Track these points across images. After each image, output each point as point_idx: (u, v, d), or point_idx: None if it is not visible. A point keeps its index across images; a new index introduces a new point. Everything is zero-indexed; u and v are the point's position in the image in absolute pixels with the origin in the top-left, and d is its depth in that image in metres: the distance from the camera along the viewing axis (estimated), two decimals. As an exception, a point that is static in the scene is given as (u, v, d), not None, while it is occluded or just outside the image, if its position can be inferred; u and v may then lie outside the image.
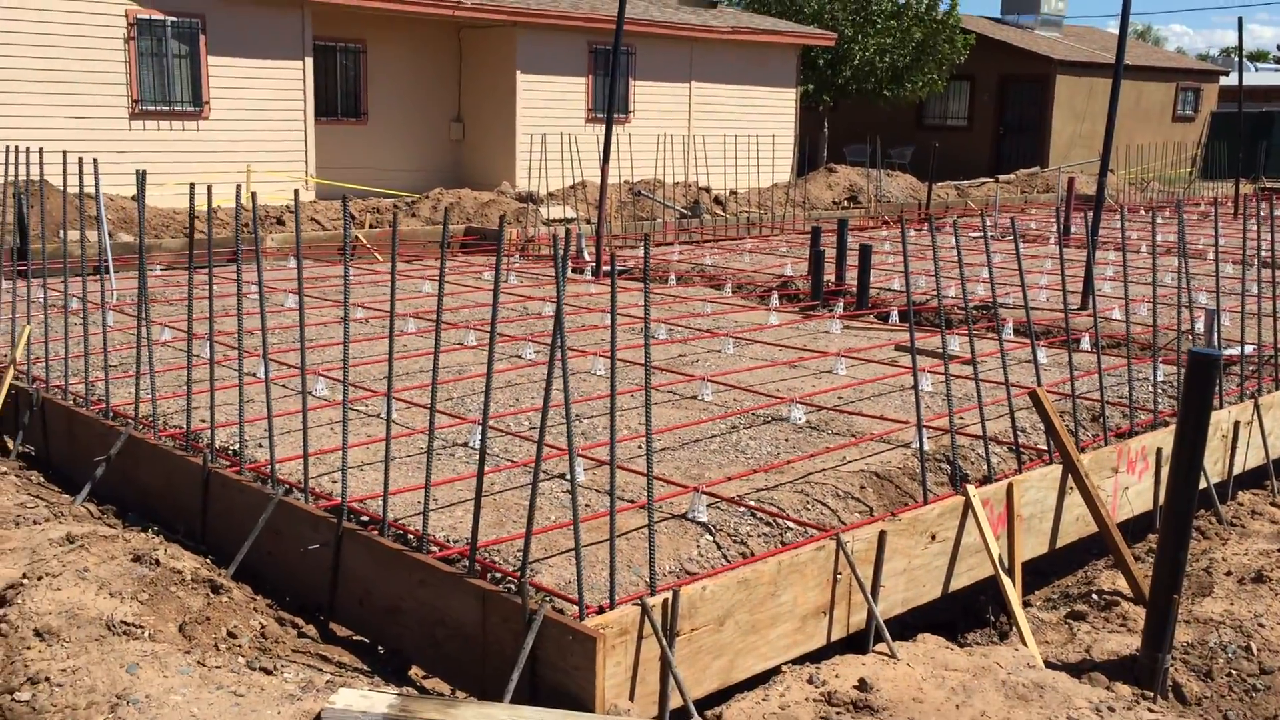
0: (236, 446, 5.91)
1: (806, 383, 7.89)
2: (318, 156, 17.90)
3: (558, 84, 21.15)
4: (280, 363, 7.89)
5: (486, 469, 5.82)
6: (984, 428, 5.52)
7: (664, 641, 3.73)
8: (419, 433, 6.45)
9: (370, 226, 15.15)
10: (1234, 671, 4.61)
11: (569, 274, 12.76)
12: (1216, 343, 9.37)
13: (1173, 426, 6.05)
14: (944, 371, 5.53)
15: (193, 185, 6.08)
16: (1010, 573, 4.88)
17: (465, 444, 6.38)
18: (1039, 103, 29.10)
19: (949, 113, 30.56)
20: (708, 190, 18.83)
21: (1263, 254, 14.72)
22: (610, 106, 11.95)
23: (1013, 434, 5.75)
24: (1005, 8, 32.45)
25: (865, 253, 10.30)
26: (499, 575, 4.41)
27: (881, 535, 4.35)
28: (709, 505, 5.39)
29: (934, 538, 4.69)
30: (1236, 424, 6.31)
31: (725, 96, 23.47)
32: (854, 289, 11.34)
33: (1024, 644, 4.47)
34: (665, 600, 3.81)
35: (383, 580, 4.30)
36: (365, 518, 4.88)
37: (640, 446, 6.39)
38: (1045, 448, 5.99)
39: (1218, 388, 6.73)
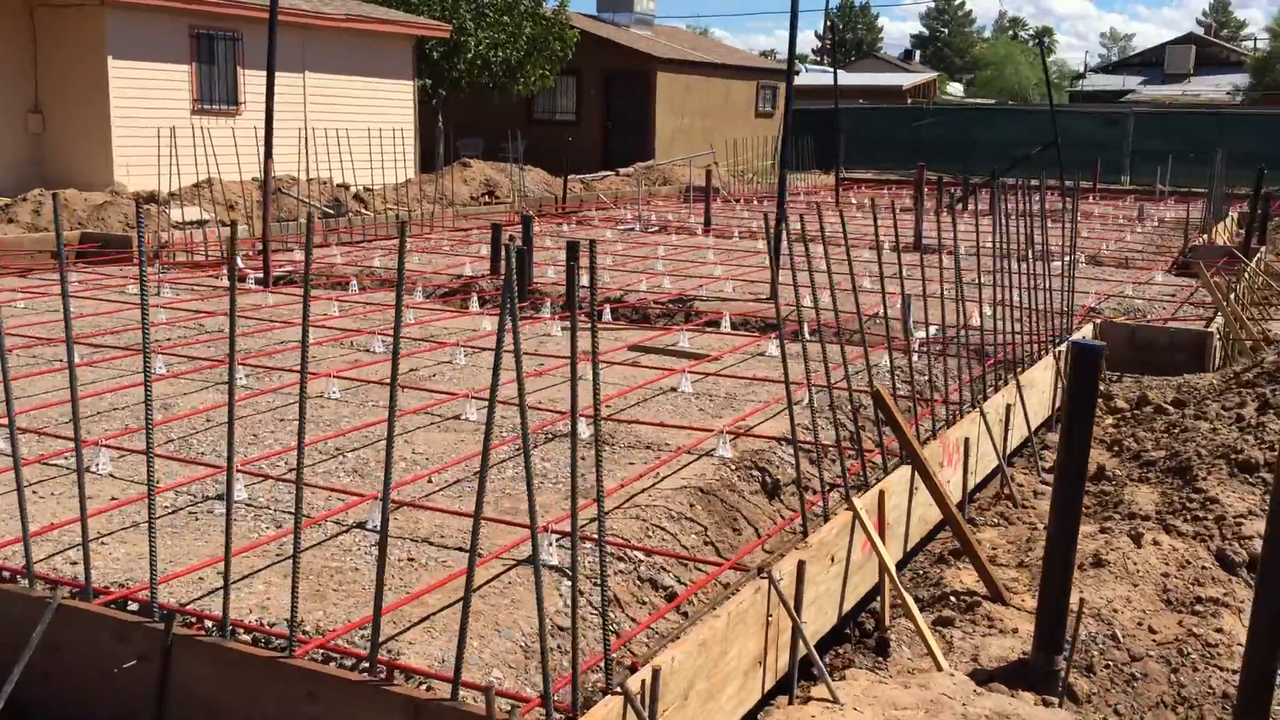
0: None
1: (563, 391, 7.35)
2: None
3: (157, 71, 19.02)
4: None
5: (269, 529, 4.85)
6: (837, 432, 5.25)
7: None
8: (168, 488, 5.30)
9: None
10: (1110, 663, 4.62)
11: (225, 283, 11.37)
12: (911, 326, 9.84)
13: (973, 415, 6.11)
14: (801, 377, 5.20)
15: None
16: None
17: (219, 496, 5.31)
18: (642, 98, 29.96)
19: (558, 108, 30.79)
20: (345, 187, 17.66)
21: (924, 240, 15.78)
22: (270, 95, 10.74)
23: (854, 434, 5.51)
24: (601, 6, 33.15)
25: (573, 250, 9.85)
26: (414, 675, 3.57)
27: (801, 566, 3.95)
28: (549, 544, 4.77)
29: (833, 559, 4.35)
30: (1009, 406, 6.50)
31: (342, 88, 22.18)
32: (542, 288, 10.91)
33: (937, 665, 4.23)
34: (644, 681, 3.18)
35: (245, 700, 3.32)
36: (185, 616, 3.83)
37: (431, 481, 5.61)
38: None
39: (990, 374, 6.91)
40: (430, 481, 5.59)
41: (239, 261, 12.10)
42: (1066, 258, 8.98)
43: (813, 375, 7.66)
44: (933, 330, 9.85)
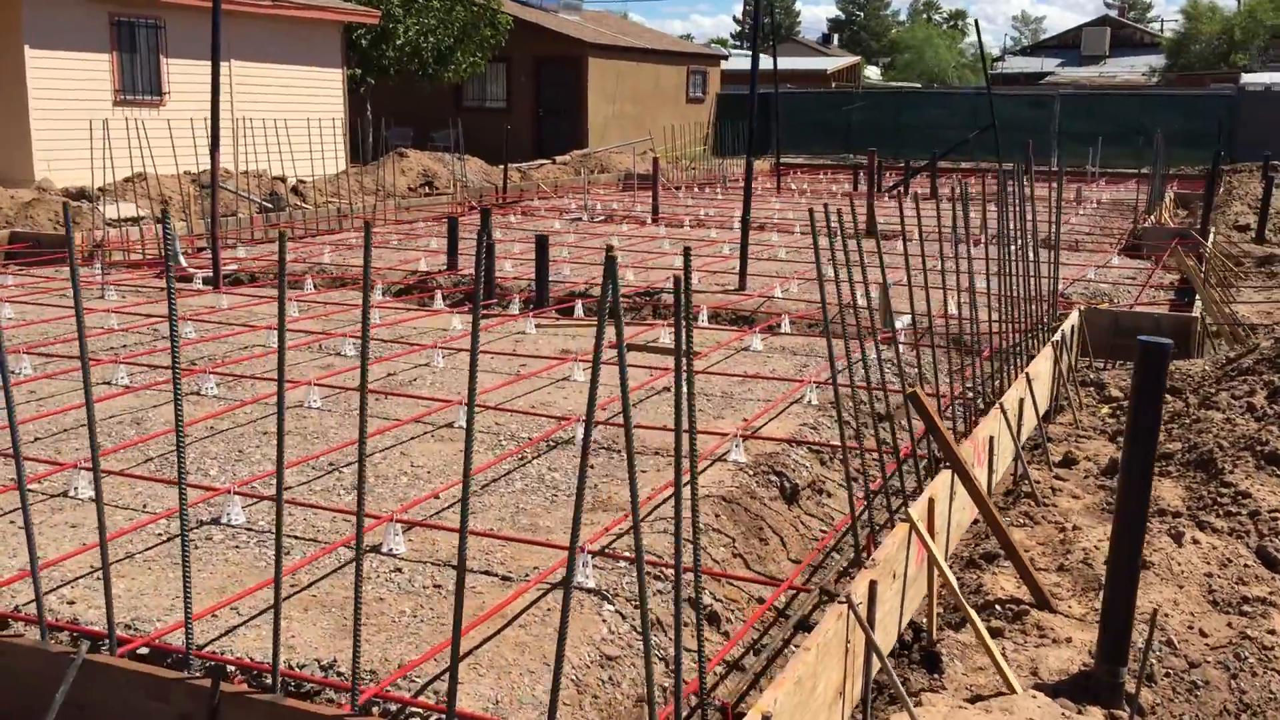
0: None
1: (555, 395, 7.05)
2: None
3: (76, 61, 18.23)
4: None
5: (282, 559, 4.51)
6: (877, 429, 5.04)
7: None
8: (163, 516, 4.91)
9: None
10: (1170, 671, 4.46)
11: (177, 284, 10.82)
12: (891, 316, 9.67)
13: (995, 412, 5.93)
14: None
15: None
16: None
17: (214, 521, 4.93)
18: (574, 85, 29.56)
19: (488, 95, 30.26)
20: (282, 180, 17.06)
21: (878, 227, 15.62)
22: (215, 83, 10.22)
23: (892, 434, 5.31)
24: (529, -10, 32.66)
25: (542, 244, 9.54)
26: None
27: (873, 587, 3.72)
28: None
29: (894, 575, 4.13)
30: (1021, 400, 6.34)
31: (270, 77, 21.49)
32: (504, 282, 10.56)
33: (1008, 684, 4.03)
34: (752, 729, 2.91)
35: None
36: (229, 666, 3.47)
37: (439, 498, 5.28)
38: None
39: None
40: (438, 498, 5.27)
41: (183, 261, 11.56)
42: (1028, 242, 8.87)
43: (808, 373, 7.47)
44: (907, 320, 9.73)
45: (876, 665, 3.85)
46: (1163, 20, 75.63)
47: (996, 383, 6.60)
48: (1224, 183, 24.35)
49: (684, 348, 2.96)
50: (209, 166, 17.61)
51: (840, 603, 3.57)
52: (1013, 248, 7.57)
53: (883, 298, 9.66)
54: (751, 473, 5.71)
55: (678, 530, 3.15)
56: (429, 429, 6.27)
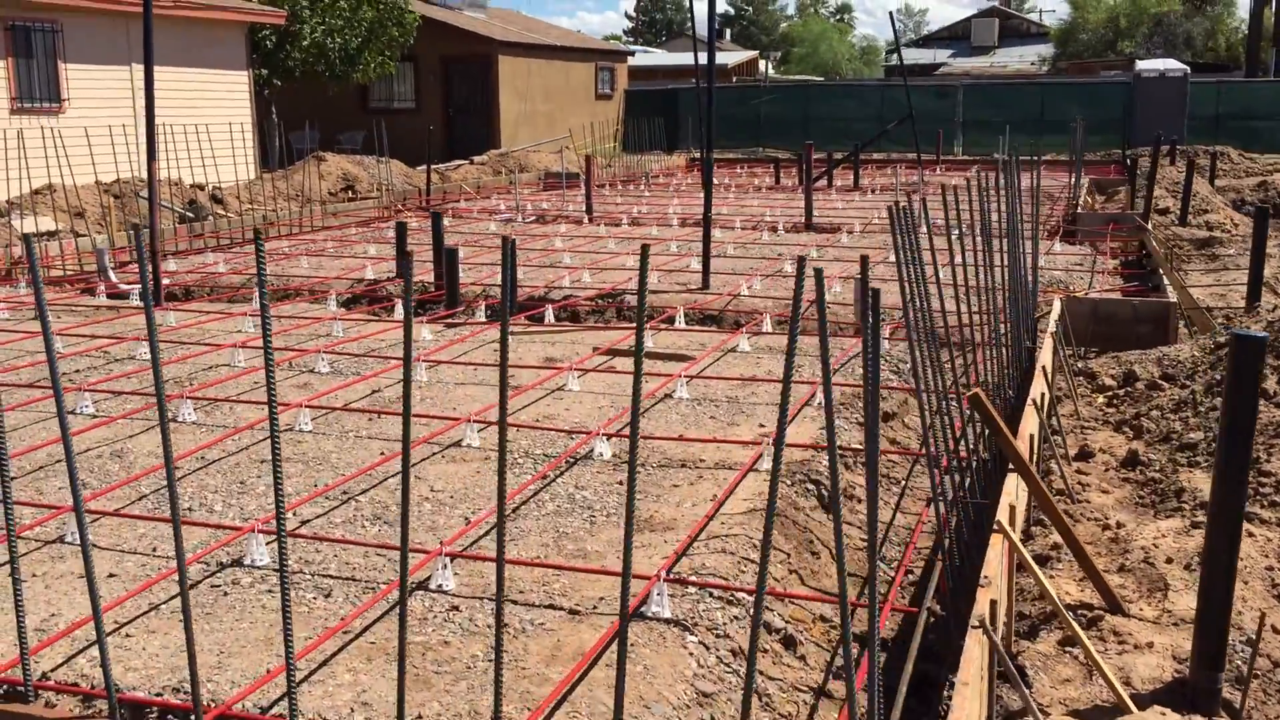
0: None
1: (555, 407, 6.74)
2: None
3: (-33, 68, 17.27)
4: None
5: (316, 598, 4.14)
6: (950, 440, 4.84)
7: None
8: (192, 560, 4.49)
9: None
10: (1258, 672, 4.36)
11: (107, 300, 10.22)
12: (868, 309, 9.55)
13: (1029, 409, 5.79)
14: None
15: None
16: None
17: (236, 562, 4.53)
18: (484, 83, 29.06)
19: (396, 95, 29.58)
20: (201, 188, 16.34)
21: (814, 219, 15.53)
22: (149, 87, 9.64)
23: (967, 441, 5.12)
24: (433, -12, 32.01)
25: (508, 248, 9.15)
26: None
27: (994, 606, 3.52)
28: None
29: (1000, 591, 3.93)
30: (1043, 395, 6.22)
31: (174, 81, 20.60)
32: (464, 288, 10.16)
33: (1120, 700, 3.87)
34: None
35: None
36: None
37: (470, 521, 4.94)
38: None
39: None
40: (468, 521, 4.93)
41: (113, 276, 10.93)
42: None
43: (805, 374, 7.24)
44: (894, 314, 9.61)
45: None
46: (1040, 11, 77.53)
47: (994, 377, 6.47)
48: (1130, 168, 24.91)
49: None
50: (121, 175, 16.85)
51: (975, 628, 3.35)
52: (1005, 239, 7.46)
53: (860, 294, 9.55)
54: (789, 482, 5.48)
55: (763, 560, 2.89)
56: (437, 449, 5.91)
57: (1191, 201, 16.58)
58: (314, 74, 24.83)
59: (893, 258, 12.15)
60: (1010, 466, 4.75)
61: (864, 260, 3.32)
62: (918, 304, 4.37)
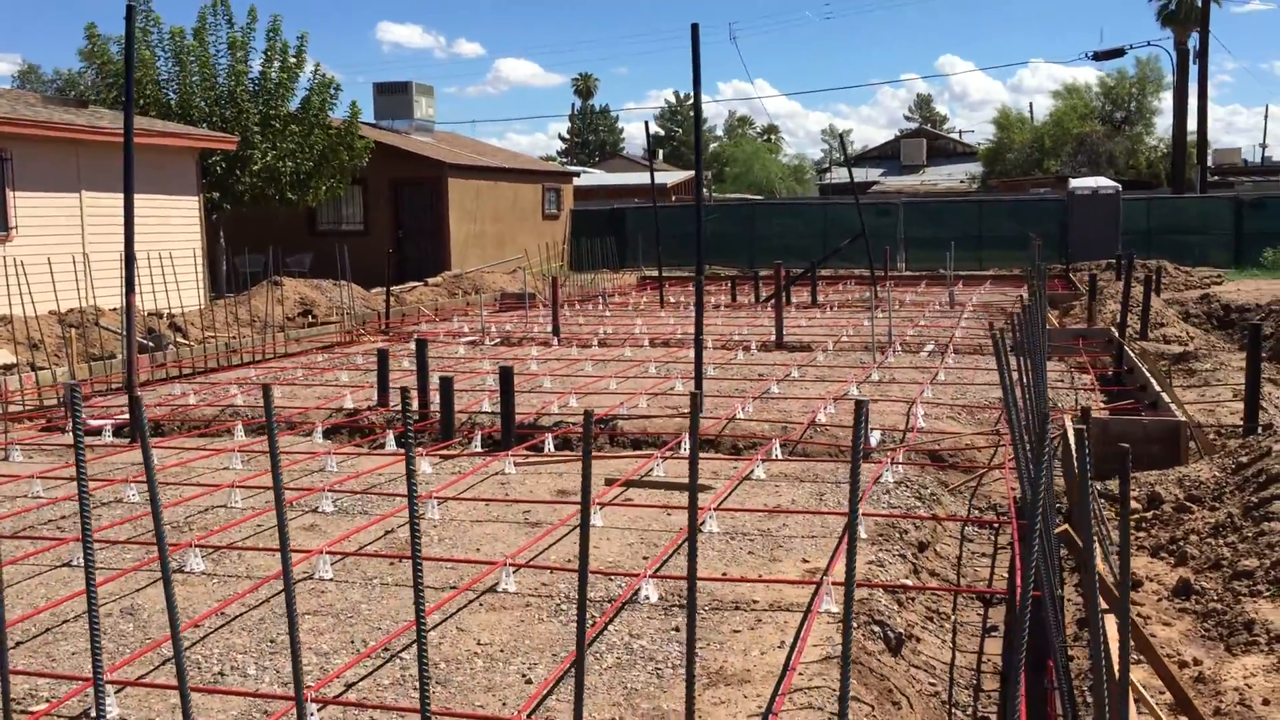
0: None
1: (574, 547, 6.41)
2: None
3: (-85, 194, 16.79)
4: None
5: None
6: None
7: None
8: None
9: None
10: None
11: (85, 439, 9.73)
12: (867, 433, 9.39)
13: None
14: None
15: None
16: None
17: (285, 736, 4.13)
18: (434, 205, 29.04)
19: (344, 218, 29.42)
20: (159, 315, 15.90)
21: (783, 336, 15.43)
22: (129, 215, 9.35)
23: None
24: (380, 113, 32.13)
25: (507, 376, 8.93)
26: None
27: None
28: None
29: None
30: (1089, 525, 6.05)
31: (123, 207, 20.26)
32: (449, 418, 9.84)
33: None
34: None
35: None
36: None
37: (529, 680, 4.59)
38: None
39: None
40: (528, 681, 4.58)
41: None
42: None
43: (828, 502, 7.03)
44: (877, 437, 9.47)
45: None
46: (960, 131, 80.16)
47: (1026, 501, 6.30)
48: (1073, 283, 25.42)
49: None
50: (70, 304, 16.36)
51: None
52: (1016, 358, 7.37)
53: (858, 417, 9.41)
54: (856, 625, 5.21)
55: None
56: (474, 596, 5.57)
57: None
58: (263, 197, 24.65)
59: (876, 377, 11.92)
60: (1104, 606, 4.54)
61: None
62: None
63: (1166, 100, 50.92)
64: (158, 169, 21.12)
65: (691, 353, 14.97)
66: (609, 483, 7.79)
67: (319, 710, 4.22)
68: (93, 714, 4.27)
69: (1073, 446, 8.64)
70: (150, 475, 2.73)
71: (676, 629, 5.15)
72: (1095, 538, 5.58)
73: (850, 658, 4.06)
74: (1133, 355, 11.87)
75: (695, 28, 10.62)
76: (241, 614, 5.33)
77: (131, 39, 9.74)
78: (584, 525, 2.84)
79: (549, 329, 17.19)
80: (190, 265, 20.11)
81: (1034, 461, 4.81)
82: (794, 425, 9.60)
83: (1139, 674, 5.27)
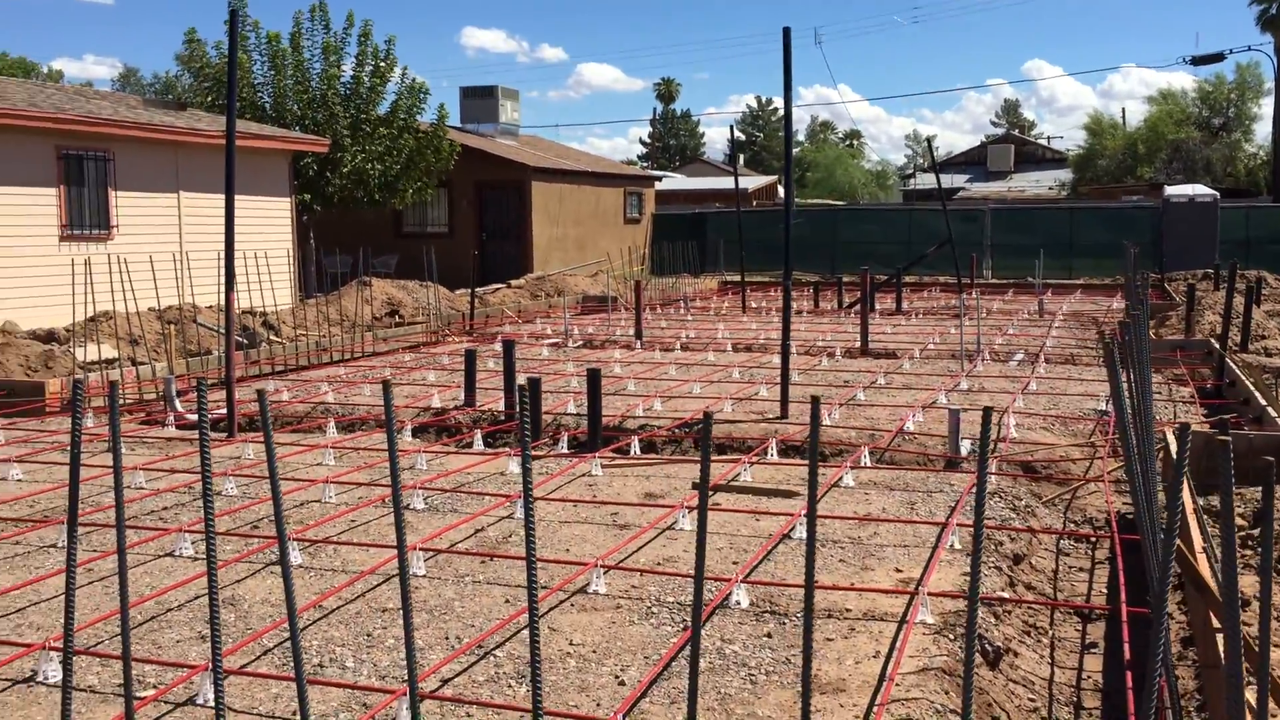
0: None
1: (673, 548, 6.42)
2: None
3: (21, 196, 17.32)
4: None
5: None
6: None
7: None
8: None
9: None
10: None
11: (176, 431, 9.98)
12: (960, 443, 9.24)
13: (1202, 560, 5.45)
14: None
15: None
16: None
17: (383, 730, 4.17)
18: (517, 209, 29.29)
19: (429, 220, 29.80)
20: (253, 314, 16.25)
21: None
22: (229, 216, 9.55)
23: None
24: (465, 117, 32.49)
25: (594, 379, 8.96)
26: None
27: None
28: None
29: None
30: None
31: (219, 208, 20.72)
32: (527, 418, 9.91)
33: None
34: None
35: None
36: None
37: (626, 684, 4.58)
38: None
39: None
40: (621, 683, 4.57)
41: (179, 406, 10.70)
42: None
43: (919, 510, 6.93)
44: (968, 446, 9.31)
45: None
46: (1049, 137, 78.84)
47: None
48: (1168, 293, 24.82)
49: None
50: (170, 301, 16.78)
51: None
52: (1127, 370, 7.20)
53: (951, 424, 9.26)
54: (951, 637, 5.13)
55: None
56: (565, 597, 5.58)
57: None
58: (352, 199, 25.06)
59: (965, 385, 11.72)
60: (1215, 625, 4.41)
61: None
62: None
63: (1267, 106, 49.62)
64: (252, 170, 21.58)
65: (775, 358, 14.91)
66: (695, 487, 7.77)
67: (419, 704, 4.25)
68: (197, 700, 4.35)
69: (1193, 460, 8.43)
70: (272, 470, 2.77)
71: (768, 635, 5.11)
72: (1204, 553, 5.44)
73: (971, 676, 4.01)
74: (1235, 367, 11.56)
75: (787, 31, 10.58)
76: (338, 607, 5.41)
77: (235, 43, 9.98)
78: (700, 527, 2.81)
79: (631, 332, 17.23)
80: (283, 265, 20.51)
81: (1144, 476, 4.69)
82: (882, 433, 9.51)
83: (1250, 696, 5.10)
